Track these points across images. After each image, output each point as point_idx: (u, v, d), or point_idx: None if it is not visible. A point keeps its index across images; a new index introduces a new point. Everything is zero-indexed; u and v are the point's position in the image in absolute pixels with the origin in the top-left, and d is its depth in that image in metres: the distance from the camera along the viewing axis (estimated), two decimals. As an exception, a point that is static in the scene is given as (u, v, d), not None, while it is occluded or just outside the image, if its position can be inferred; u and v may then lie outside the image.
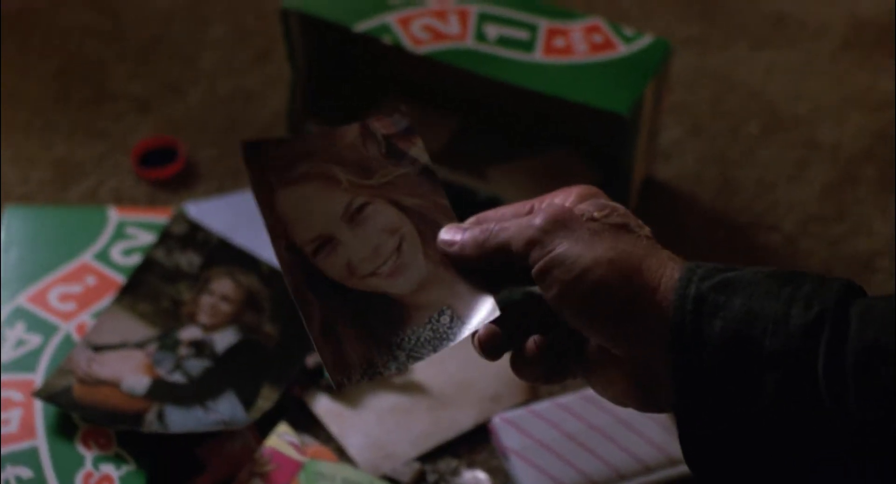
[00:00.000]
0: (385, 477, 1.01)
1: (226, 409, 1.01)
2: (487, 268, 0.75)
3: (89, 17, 1.42)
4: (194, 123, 1.32)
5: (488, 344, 0.74)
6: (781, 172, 1.30)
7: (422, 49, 1.14)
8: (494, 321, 0.74)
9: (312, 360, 1.06)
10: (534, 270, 0.71)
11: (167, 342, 1.06)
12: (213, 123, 1.32)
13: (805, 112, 1.37)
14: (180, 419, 1.00)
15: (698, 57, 1.43)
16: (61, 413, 1.00)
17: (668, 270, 0.70)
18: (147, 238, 1.13)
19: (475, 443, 1.04)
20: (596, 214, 0.72)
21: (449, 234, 0.77)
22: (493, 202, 1.22)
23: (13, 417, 1.00)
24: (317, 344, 0.76)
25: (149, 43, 1.41)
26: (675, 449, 1.01)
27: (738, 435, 0.68)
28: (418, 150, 0.84)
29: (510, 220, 0.74)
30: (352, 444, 1.03)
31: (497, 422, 1.03)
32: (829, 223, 1.25)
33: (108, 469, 0.97)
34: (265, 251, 1.11)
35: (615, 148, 1.15)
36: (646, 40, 1.15)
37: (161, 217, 1.16)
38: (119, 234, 1.14)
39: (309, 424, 1.05)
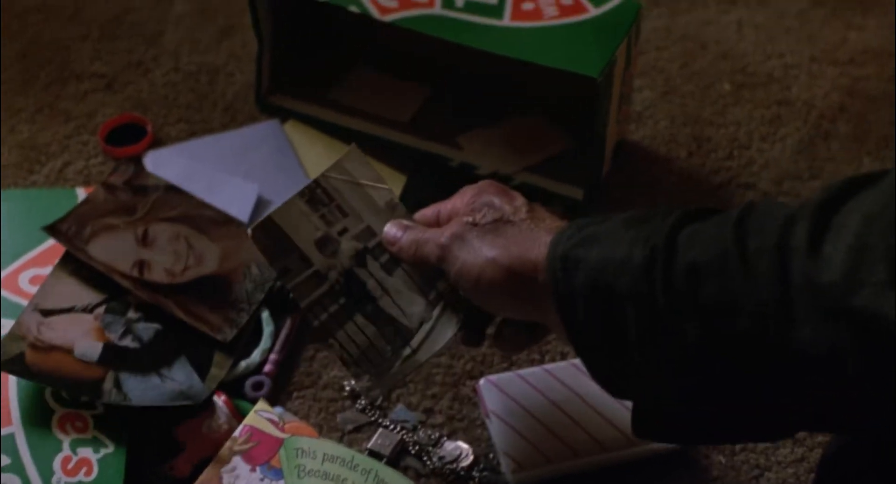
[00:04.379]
0: (366, 451, 1.00)
1: (181, 376, 1.01)
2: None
3: (50, -3, 1.41)
4: (161, 101, 1.30)
5: (468, 342, 0.95)
6: (754, 131, 1.29)
7: (389, 17, 1.13)
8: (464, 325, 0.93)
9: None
10: (450, 281, 0.89)
11: (115, 306, 1.04)
12: (179, 100, 1.30)
13: (776, 70, 1.37)
14: (138, 388, 0.99)
15: (667, 18, 1.42)
16: (36, 399, 0.98)
17: (543, 244, 0.82)
18: (117, 217, 1.12)
19: (456, 412, 1.04)
20: (477, 218, 0.86)
21: (392, 230, 0.93)
22: (467, 169, 1.21)
23: (-13, 404, 0.99)
24: (189, 323, 1.02)
25: (111, 22, 1.39)
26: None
27: (629, 367, 0.76)
28: (155, 179, 1.12)
29: (428, 233, 0.90)
30: None
31: (483, 383, 1.03)
32: (803, 180, 1.24)
33: (86, 452, 0.96)
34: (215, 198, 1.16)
35: (588, 111, 1.13)
36: (615, 2, 1.14)
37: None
38: (88, 214, 1.13)
39: (286, 400, 1.04)
